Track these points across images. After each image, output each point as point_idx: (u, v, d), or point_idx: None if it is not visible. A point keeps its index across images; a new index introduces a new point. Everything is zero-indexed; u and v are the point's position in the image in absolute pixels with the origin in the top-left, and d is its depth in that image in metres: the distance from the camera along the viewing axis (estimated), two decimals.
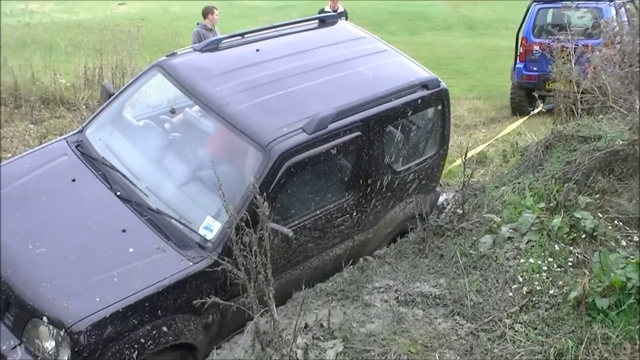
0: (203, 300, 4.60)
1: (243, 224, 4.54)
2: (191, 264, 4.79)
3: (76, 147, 5.62)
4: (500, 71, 17.53)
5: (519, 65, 13.54)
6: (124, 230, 4.95)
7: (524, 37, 13.50)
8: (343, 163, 5.74)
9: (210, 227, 4.97)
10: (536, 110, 11.19)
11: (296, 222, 5.30)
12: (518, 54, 13.65)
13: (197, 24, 11.32)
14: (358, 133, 5.56)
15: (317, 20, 6.78)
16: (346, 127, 5.45)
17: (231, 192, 4.79)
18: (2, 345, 4.54)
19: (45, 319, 4.39)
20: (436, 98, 6.32)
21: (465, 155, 6.44)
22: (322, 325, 4.96)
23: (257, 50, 6.03)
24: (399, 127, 6.14)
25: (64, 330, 4.34)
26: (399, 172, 6.14)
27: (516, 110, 13.44)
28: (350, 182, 5.74)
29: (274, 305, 4.60)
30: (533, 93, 12.13)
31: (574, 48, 9.29)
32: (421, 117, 6.47)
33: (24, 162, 5.50)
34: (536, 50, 13.06)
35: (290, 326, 4.77)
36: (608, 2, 12.42)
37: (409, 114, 6.13)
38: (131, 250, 4.81)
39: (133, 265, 4.71)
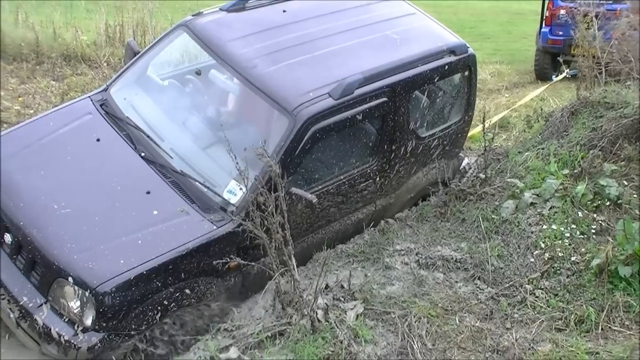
0: (225, 261, 4.64)
1: (264, 188, 4.56)
2: (215, 227, 4.80)
3: (100, 106, 5.58)
4: (524, 35, 17.23)
5: (545, 29, 13.26)
6: (148, 192, 4.96)
7: (550, 1, 13.23)
8: (368, 128, 5.69)
9: (234, 191, 4.96)
10: (560, 77, 11.00)
11: (320, 187, 5.29)
12: (544, 17, 13.40)
13: None
14: (384, 99, 5.51)
15: None
16: (373, 92, 5.40)
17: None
18: (24, 299, 4.60)
19: (70, 279, 4.44)
20: (463, 64, 6.23)
21: (484, 120, 6.37)
22: (342, 287, 4.99)
23: (284, 11, 5.95)
24: (425, 93, 6.08)
25: (89, 291, 4.39)
26: (423, 137, 6.09)
27: (540, 76, 13.25)
28: (374, 147, 5.70)
29: (294, 265, 4.62)
30: (558, 58, 11.99)
31: (596, 14, 9.04)
32: (447, 83, 6.38)
33: (48, 120, 5.47)
34: (562, 14, 12.83)
35: (310, 287, 4.79)
36: None
37: (436, 80, 6.05)
38: (155, 212, 4.82)
39: (157, 227, 4.72)
